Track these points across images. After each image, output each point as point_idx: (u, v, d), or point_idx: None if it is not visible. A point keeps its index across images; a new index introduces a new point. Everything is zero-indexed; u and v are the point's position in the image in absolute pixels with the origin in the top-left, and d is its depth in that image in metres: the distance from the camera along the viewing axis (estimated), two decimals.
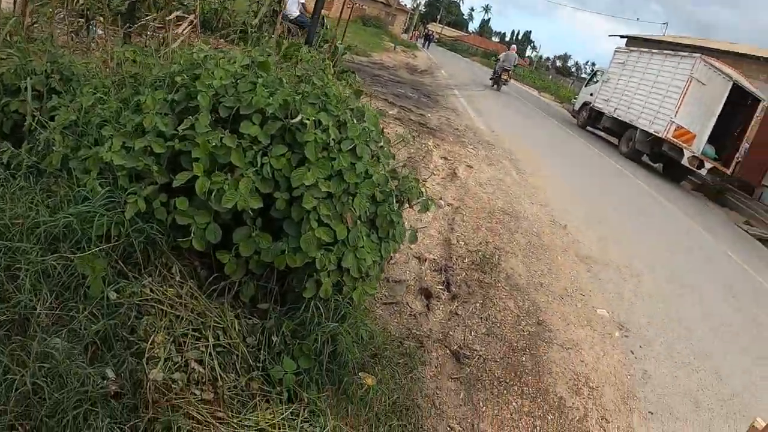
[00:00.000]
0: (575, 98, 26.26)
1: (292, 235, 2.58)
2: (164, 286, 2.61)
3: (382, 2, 58.44)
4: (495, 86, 26.24)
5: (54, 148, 2.85)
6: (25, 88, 3.47)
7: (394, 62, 26.36)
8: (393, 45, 37.80)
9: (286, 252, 2.56)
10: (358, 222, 2.74)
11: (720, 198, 18.31)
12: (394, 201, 2.99)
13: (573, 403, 4.01)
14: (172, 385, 2.32)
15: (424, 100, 15.24)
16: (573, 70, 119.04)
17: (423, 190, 3.34)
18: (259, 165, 2.52)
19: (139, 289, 2.50)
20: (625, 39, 32.60)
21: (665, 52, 19.36)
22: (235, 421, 2.36)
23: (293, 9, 15.66)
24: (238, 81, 2.80)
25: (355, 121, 2.79)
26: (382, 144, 3.09)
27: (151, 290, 2.55)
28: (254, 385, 2.58)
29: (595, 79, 23.67)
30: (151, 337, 2.40)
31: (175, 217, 2.54)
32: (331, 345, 2.66)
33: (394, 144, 6.06)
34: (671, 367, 5.14)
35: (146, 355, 2.33)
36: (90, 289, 2.38)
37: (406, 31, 64.13)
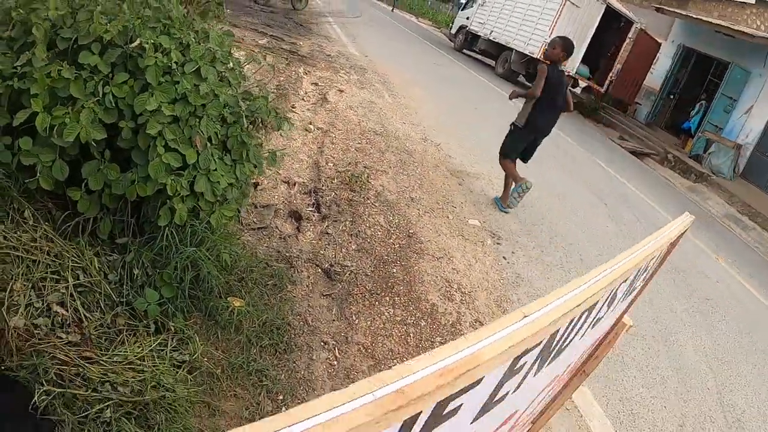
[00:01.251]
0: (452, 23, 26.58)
1: (141, 164, 2.56)
2: (18, 232, 2.54)
3: None
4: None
5: None
6: None
7: None
8: None
9: (136, 182, 2.55)
10: (209, 145, 2.74)
11: (596, 116, 19.43)
12: (245, 122, 2.99)
13: (446, 309, 4.25)
14: (35, 331, 2.30)
15: (297, 28, 14.93)
16: None
17: (276, 110, 3.34)
18: (101, 95, 2.46)
19: None
20: None
21: None
22: (104, 359, 2.38)
23: None
24: (77, 11, 2.68)
25: (199, 44, 2.75)
26: (232, 66, 3.07)
27: (5, 237, 2.48)
28: (120, 321, 2.60)
29: (471, 4, 23.93)
30: (9, 285, 2.35)
31: (20, 158, 2.45)
32: (192, 271, 2.70)
33: (262, 72, 5.99)
34: (543, 270, 5.51)
35: (6, 304, 2.29)
36: None
37: None
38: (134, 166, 2.58)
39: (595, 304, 1.31)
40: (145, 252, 2.69)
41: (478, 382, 0.82)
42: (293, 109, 7.30)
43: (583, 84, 18.41)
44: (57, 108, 2.42)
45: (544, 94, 6.16)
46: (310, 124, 7.03)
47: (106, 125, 2.47)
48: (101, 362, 2.36)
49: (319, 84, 9.29)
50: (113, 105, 2.46)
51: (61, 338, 2.36)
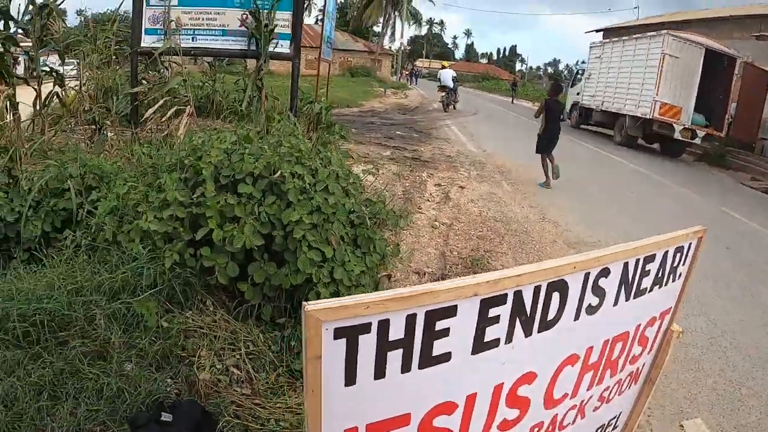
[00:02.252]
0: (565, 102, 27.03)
1: (291, 261, 3.43)
2: (202, 316, 3.46)
3: (365, 51, 59.88)
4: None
5: (104, 228, 3.76)
6: (68, 189, 4.41)
7: (385, 106, 27.45)
8: (383, 89, 39.27)
9: (289, 274, 3.41)
10: (342, 243, 3.59)
11: (723, 161, 18.59)
12: (369, 222, 3.84)
13: None
14: (218, 384, 3.15)
15: (417, 135, 16.14)
16: (565, 73, 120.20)
17: (393, 211, 4.18)
18: (257, 213, 3.38)
19: (183, 320, 3.36)
20: (602, 32, 33.57)
21: (634, 37, 20.24)
22: (268, 405, 3.16)
23: (449, 81, 25.50)
24: (231, 154, 3.69)
25: (323, 167, 3.67)
26: (352, 180, 3.97)
27: (192, 320, 3.41)
28: (282, 379, 3.39)
29: (578, 78, 24.42)
30: (197, 352, 3.24)
31: (202, 262, 3.41)
32: None
33: (390, 181, 6.94)
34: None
35: (195, 364, 3.17)
36: (147, 323, 3.24)
37: (395, 72, 65.67)
38: (286, 263, 3.44)
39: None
40: (300, 327, 3.50)
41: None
42: (420, 210, 8.14)
43: (701, 133, 17.97)
44: (227, 225, 3.37)
45: (549, 115, 11.05)
46: (436, 221, 7.80)
47: (263, 234, 3.38)
48: (266, 407, 3.13)
49: (442, 184, 10.16)
50: (267, 219, 3.37)
51: (236, 391, 3.17)
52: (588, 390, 2.02)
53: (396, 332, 1.33)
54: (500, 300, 1.47)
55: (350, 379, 1.32)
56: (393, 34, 69.86)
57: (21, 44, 6.67)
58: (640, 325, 2.13)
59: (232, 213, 3.39)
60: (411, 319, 1.33)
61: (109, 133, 7.02)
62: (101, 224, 3.86)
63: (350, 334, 1.27)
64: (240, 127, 4.58)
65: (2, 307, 3.31)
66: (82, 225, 4.20)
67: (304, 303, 1.22)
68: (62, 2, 6.65)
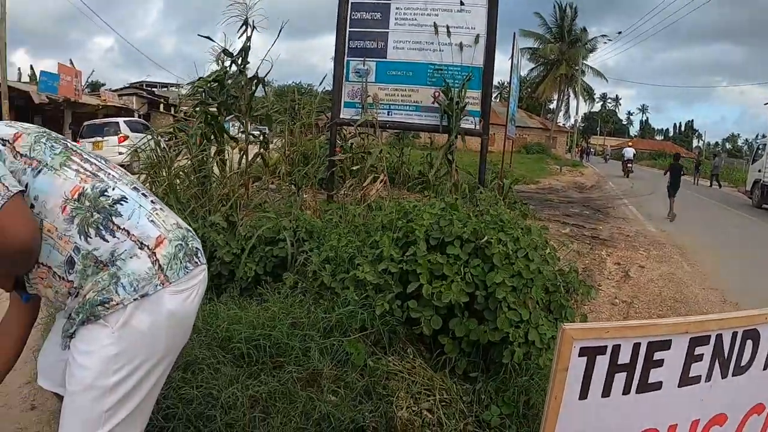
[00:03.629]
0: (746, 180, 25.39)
1: (491, 319, 3.70)
2: (403, 362, 3.81)
3: (540, 128, 59.97)
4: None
5: (321, 274, 4.27)
6: (282, 239, 5.03)
7: (561, 184, 27.43)
8: (558, 167, 39.11)
9: (487, 331, 3.69)
10: (537, 307, 3.82)
11: None
12: (563, 290, 4.05)
13: None
14: (413, 423, 3.45)
15: (595, 214, 16.01)
16: (744, 148, 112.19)
17: (585, 282, 4.35)
18: (462, 273, 3.71)
19: (386, 362, 3.73)
20: None
21: None
22: None
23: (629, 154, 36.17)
24: (440, 219, 4.08)
25: (524, 236, 3.95)
26: (549, 251, 4.21)
27: (394, 364, 3.76)
28: (469, 428, 3.63)
29: (759, 154, 22.87)
30: (396, 393, 3.58)
31: (409, 313, 3.78)
32: (525, 396, 3.67)
33: (571, 258, 7.11)
34: None
35: (394, 403, 3.50)
36: (355, 360, 3.64)
37: (569, 150, 65.06)
38: (485, 321, 3.73)
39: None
40: (490, 382, 3.75)
41: None
42: (599, 287, 8.15)
43: None
44: (435, 281, 3.73)
45: (673, 172, 17.92)
46: (615, 298, 7.77)
47: (467, 293, 3.69)
48: None
49: (621, 263, 10.02)
50: (471, 280, 3.69)
51: None
52: None
53: (623, 357, 1.62)
54: (705, 340, 1.71)
55: (584, 393, 1.62)
56: (568, 110, 69.64)
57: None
58: None
59: (440, 271, 3.75)
60: (636, 347, 1.63)
61: (304, 195, 7.78)
62: (316, 271, 4.38)
63: (590, 354, 1.59)
64: (429, 197, 5.02)
65: (228, 329, 3.90)
66: (293, 271, 4.78)
67: (562, 324, 1.57)
68: (267, 74, 7.52)
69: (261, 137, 8.08)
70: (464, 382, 3.82)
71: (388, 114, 8.37)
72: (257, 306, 4.32)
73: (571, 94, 65.31)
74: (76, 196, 1.95)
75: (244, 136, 7.68)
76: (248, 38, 7.19)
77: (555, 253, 4.29)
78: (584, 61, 63.10)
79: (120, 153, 22.00)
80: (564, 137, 66.09)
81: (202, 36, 7.28)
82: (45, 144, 1.99)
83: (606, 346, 1.59)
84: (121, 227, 1.95)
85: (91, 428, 1.94)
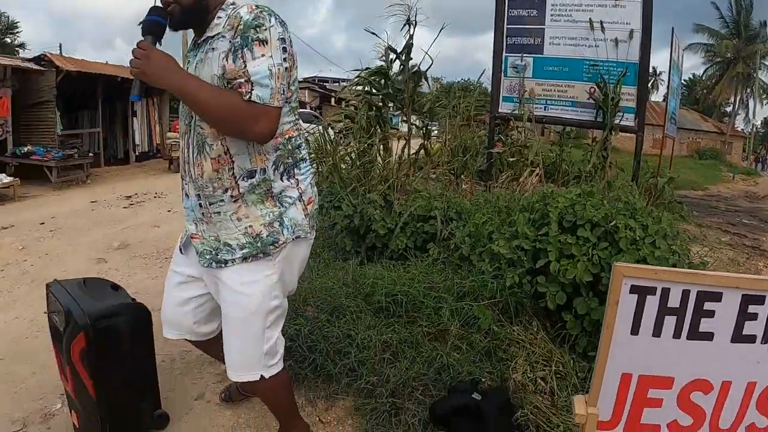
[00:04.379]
0: None
1: None
2: (525, 333, 4.12)
3: (714, 132, 55.60)
4: None
5: (461, 247, 4.68)
6: (433, 216, 5.48)
7: (731, 192, 25.71)
8: (731, 174, 36.46)
9: None
10: None
11: None
12: None
13: None
14: (526, 387, 3.73)
15: (761, 225, 15.06)
16: None
17: None
18: (590, 255, 3.95)
19: (510, 330, 4.06)
20: None
21: None
22: (561, 417, 3.53)
23: None
24: (574, 204, 4.32)
25: (654, 224, 4.08)
26: (679, 242, 4.32)
27: (517, 333, 4.08)
28: None
29: None
30: (515, 359, 3.89)
31: (536, 287, 4.08)
32: None
33: (723, 265, 6.91)
34: None
35: (511, 367, 3.82)
36: (481, 324, 4.01)
37: (746, 157, 59.92)
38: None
39: None
40: None
41: None
42: None
43: None
44: (563, 260, 4.00)
45: None
46: None
47: (592, 273, 3.93)
48: (560, 418, 3.57)
49: None
50: (597, 261, 3.91)
51: (539, 398, 3.70)
52: None
53: (673, 301, 1.78)
54: (759, 300, 1.77)
55: (635, 328, 1.82)
56: (747, 114, 63.45)
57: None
58: None
59: (569, 251, 4.00)
60: (686, 294, 1.77)
61: (463, 185, 8.17)
62: (458, 244, 4.79)
63: (641, 292, 1.78)
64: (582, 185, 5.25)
65: (373, 285, 4.43)
66: (440, 245, 5.21)
67: (615, 263, 1.82)
68: (429, 68, 7.99)
69: (424, 129, 8.62)
70: (582, 360, 4.04)
71: (545, 109, 8.54)
72: (401, 269, 4.81)
73: (750, 97, 59.58)
74: (287, 137, 2.47)
75: (406, 127, 8.25)
76: (411, 36, 7.73)
77: (686, 245, 4.36)
78: (764, 61, 57.20)
79: None
80: (740, 143, 60.53)
81: (368, 31, 7.93)
82: (294, 92, 2.51)
83: (656, 288, 1.76)
84: (297, 178, 2.54)
85: (257, 342, 2.55)
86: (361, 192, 6.71)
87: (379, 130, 8.02)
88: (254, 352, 2.54)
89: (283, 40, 2.22)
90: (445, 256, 4.95)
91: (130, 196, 13.66)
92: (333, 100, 44.23)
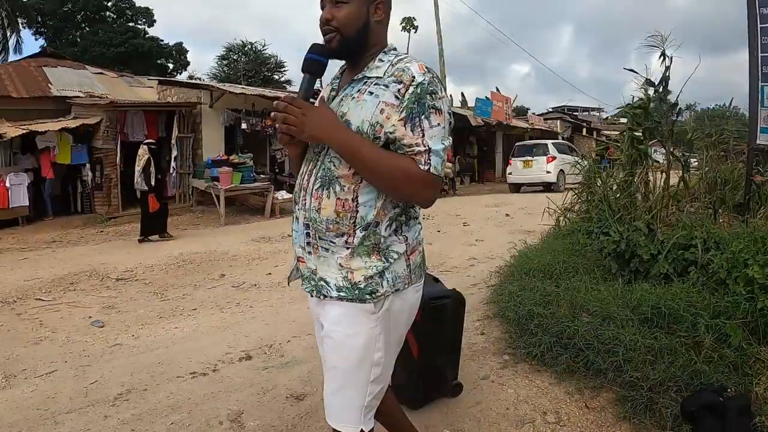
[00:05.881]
0: None
1: None
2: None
3: None
4: None
5: (718, 272, 5.16)
6: (694, 245, 5.93)
7: None
8: None
9: None
10: None
11: None
12: None
13: None
14: (766, 401, 3.90)
15: None
16: None
17: None
18: None
19: (756, 349, 4.40)
20: None
21: None
22: None
23: None
24: None
25: None
26: None
27: (764, 353, 4.34)
28: None
29: None
30: (759, 376, 4.15)
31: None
32: None
33: None
34: None
35: (755, 381, 4.08)
36: (732, 340, 4.42)
37: None
38: None
39: None
40: None
41: None
42: None
43: None
44: None
45: None
46: None
47: None
48: None
49: None
50: None
51: None
52: None
53: None
54: None
55: None
56: None
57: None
58: None
59: None
60: None
61: (720, 219, 8.25)
62: (716, 269, 5.27)
63: None
64: None
65: (640, 299, 5.15)
66: (699, 271, 5.68)
67: None
68: (684, 102, 8.02)
69: (683, 161, 8.84)
70: None
71: None
72: (665, 287, 5.42)
73: None
74: None
75: (665, 160, 8.54)
76: (667, 68, 7.91)
77: None
78: None
79: (548, 172, 24.60)
80: None
81: (627, 69, 8.32)
82: None
83: None
84: (405, 234, 2.39)
85: (361, 395, 2.39)
86: (627, 219, 7.27)
87: (640, 162, 8.43)
88: (355, 403, 2.41)
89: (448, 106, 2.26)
90: (704, 280, 5.41)
91: None
92: (584, 129, 43.89)
